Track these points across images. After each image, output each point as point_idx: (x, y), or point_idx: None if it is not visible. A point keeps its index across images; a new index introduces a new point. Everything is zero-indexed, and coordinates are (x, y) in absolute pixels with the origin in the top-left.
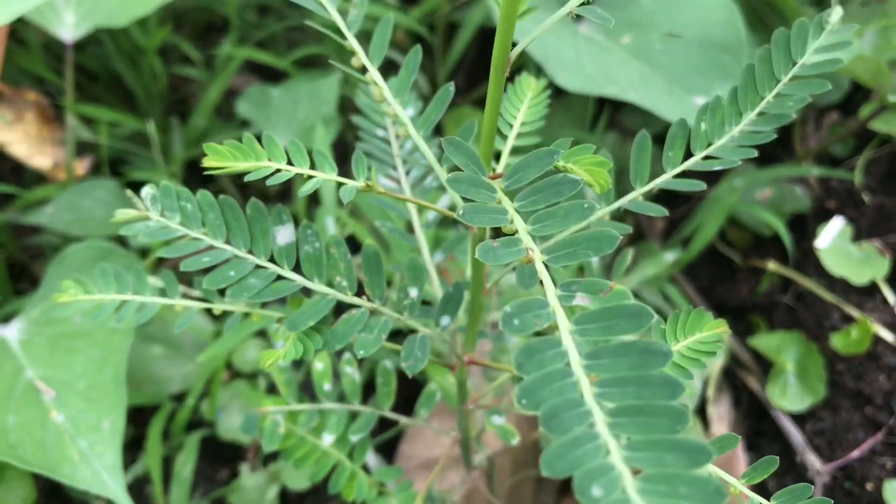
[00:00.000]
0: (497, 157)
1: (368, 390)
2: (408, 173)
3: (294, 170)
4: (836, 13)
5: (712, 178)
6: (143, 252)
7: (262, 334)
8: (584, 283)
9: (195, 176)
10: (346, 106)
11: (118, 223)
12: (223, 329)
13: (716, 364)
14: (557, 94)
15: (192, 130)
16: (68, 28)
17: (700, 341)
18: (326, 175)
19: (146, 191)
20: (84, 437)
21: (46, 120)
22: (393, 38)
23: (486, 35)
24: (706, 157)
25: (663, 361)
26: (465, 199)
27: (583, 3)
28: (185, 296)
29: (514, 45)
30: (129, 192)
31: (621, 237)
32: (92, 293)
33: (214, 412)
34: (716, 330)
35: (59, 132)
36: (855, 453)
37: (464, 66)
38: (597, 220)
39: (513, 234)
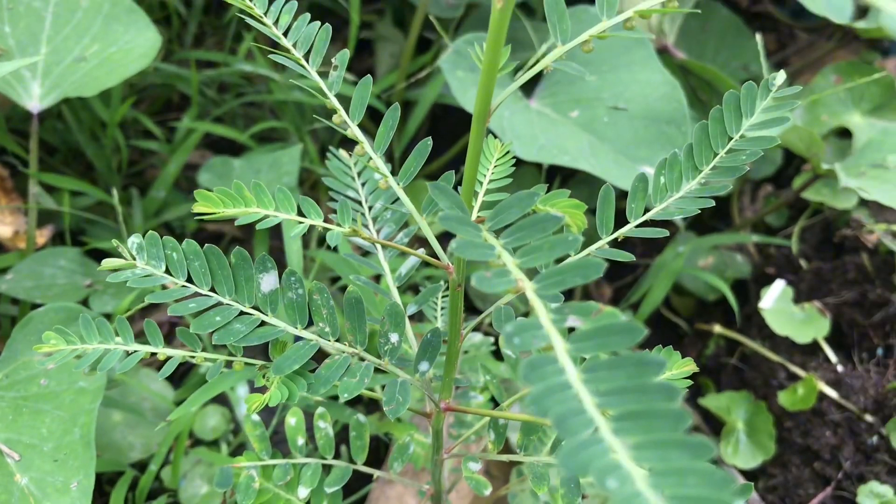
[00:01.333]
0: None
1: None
2: (378, 231)
3: (282, 216)
4: (780, 76)
5: (656, 246)
6: (108, 316)
7: (222, 401)
8: (574, 306)
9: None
10: (306, 179)
11: (105, 270)
12: (188, 395)
13: None
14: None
15: (151, 202)
16: (35, 99)
17: (669, 378)
18: (314, 221)
19: (132, 240)
20: (51, 499)
21: (6, 190)
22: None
23: (438, 114)
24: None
25: (658, 371)
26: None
27: (534, 76)
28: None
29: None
30: (114, 242)
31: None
32: (74, 343)
33: (177, 480)
34: (684, 368)
35: (19, 202)
36: None
37: (417, 142)
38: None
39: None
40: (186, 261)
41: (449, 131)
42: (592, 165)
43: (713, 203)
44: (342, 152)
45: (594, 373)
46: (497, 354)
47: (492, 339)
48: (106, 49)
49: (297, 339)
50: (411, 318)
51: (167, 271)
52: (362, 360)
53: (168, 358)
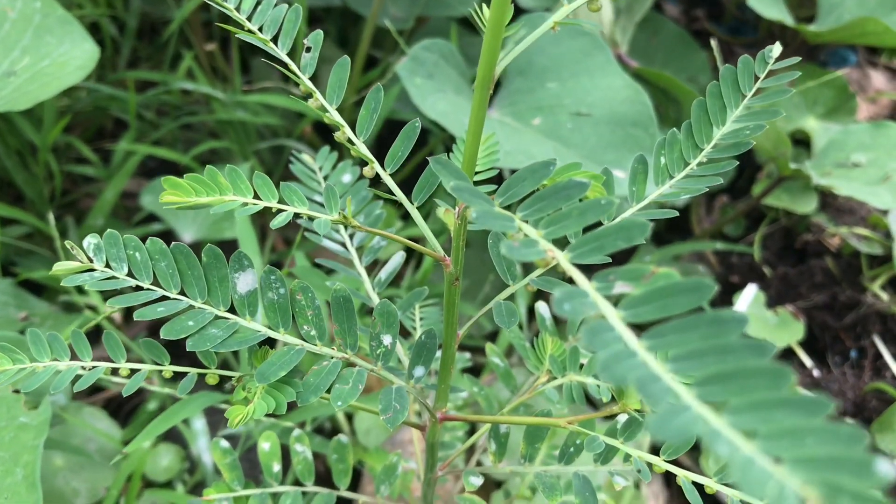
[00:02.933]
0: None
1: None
2: (352, 237)
3: (262, 203)
4: (776, 48)
5: (616, 259)
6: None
7: (174, 439)
8: (620, 271)
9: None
10: None
11: (58, 275)
12: (137, 433)
13: (645, 440)
14: None
15: (88, 230)
16: None
17: None
18: (298, 208)
19: (89, 240)
20: None
21: None
22: (300, 131)
23: (392, 129)
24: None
25: (740, 327)
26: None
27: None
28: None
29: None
30: (68, 244)
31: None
32: (22, 361)
33: None
34: None
35: None
36: None
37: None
38: None
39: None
40: (151, 261)
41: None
42: None
43: (721, 181)
44: (305, 156)
45: (661, 338)
46: (472, 372)
47: (467, 356)
48: (38, 62)
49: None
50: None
51: (130, 274)
52: (353, 365)
53: (132, 372)
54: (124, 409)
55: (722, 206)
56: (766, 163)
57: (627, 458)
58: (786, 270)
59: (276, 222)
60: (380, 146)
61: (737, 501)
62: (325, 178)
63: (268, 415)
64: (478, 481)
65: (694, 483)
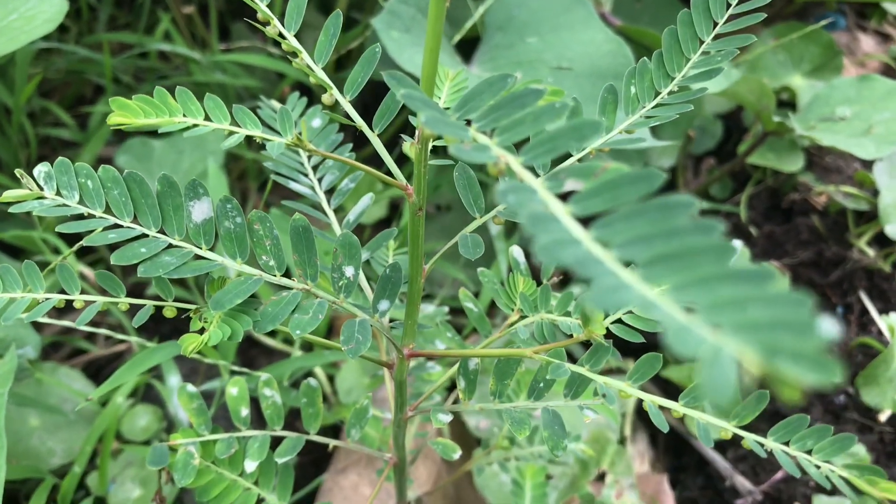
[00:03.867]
0: None
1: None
2: (320, 180)
3: (212, 125)
4: None
5: None
6: None
7: (153, 400)
8: (571, 168)
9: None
10: (233, 167)
11: (7, 202)
12: (113, 392)
13: (630, 402)
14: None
15: None
16: None
17: None
18: (250, 130)
19: (39, 168)
20: None
21: None
22: (279, 91)
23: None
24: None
25: (687, 209)
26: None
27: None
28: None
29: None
30: (18, 172)
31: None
32: None
33: (105, 485)
34: None
35: None
36: (779, 475)
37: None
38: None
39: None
40: (104, 189)
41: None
42: None
43: (692, 107)
44: (273, 102)
45: (608, 227)
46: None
47: (446, 309)
48: (5, 17)
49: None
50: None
51: (82, 202)
52: (314, 297)
53: (87, 304)
54: (104, 373)
55: (709, 169)
56: (753, 123)
57: (597, 393)
58: (772, 229)
59: (228, 143)
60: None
61: (703, 424)
62: (294, 123)
63: (238, 372)
64: (446, 418)
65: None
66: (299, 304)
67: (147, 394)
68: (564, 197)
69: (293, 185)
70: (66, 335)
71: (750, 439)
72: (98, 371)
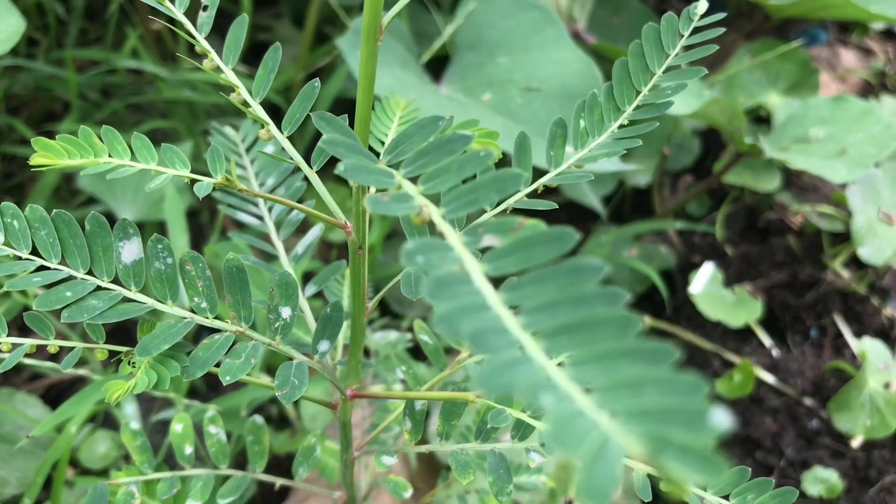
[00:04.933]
0: None
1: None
2: (270, 210)
3: (139, 165)
4: (702, 5)
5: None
6: None
7: (112, 426)
8: (489, 224)
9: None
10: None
11: None
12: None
13: None
14: None
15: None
16: None
17: None
18: (177, 171)
19: None
20: None
21: None
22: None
23: (342, 107)
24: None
25: (596, 275)
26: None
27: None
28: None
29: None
30: None
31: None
32: None
33: None
34: None
35: None
36: None
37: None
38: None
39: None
40: (31, 230)
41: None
42: (509, 146)
43: (640, 142)
44: (227, 129)
45: (518, 290)
46: (415, 353)
47: (408, 336)
48: None
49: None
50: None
51: (7, 243)
52: (249, 339)
53: (14, 346)
54: (64, 397)
55: (686, 187)
56: (729, 141)
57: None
58: (747, 249)
59: (154, 184)
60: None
61: (643, 476)
62: (248, 149)
63: (191, 404)
64: (390, 461)
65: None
66: (232, 348)
67: (107, 419)
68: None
69: (241, 216)
70: (25, 358)
71: (689, 492)
72: (58, 396)
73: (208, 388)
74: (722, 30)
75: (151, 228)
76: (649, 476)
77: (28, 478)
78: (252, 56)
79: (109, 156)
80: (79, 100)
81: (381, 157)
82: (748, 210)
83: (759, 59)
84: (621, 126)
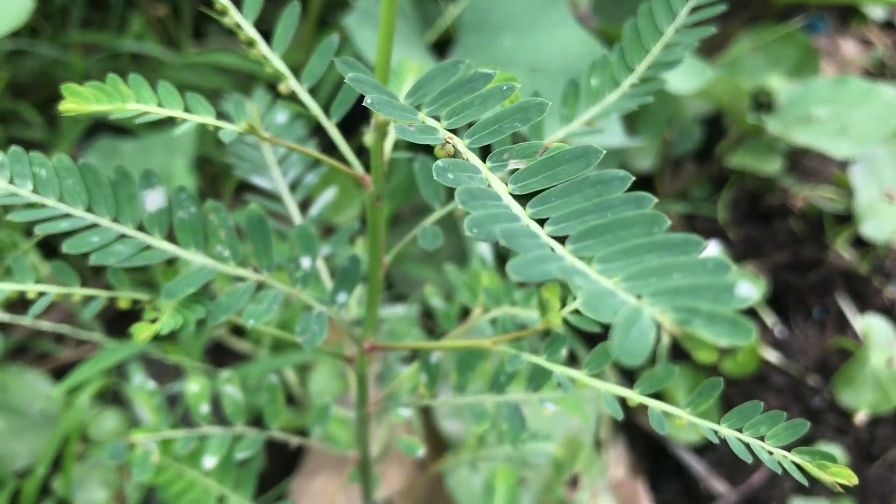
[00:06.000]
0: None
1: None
2: (285, 175)
3: (164, 112)
4: None
5: None
6: None
7: (118, 399)
8: (515, 148)
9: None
10: (206, 169)
11: None
12: (78, 394)
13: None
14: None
15: None
16: None
17: None
18: (202, 118)
19: None
20: None
21: None
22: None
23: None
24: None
25: (622, 185)
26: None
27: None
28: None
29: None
30: None
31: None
32: None
33: (69, 488)
34: None
35: None
36: (756, 478)
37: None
38: None
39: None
40: (58, 178)
41: (361, 111)
42: None
43: (651, 99)
44: (236, 95)
45: (545, 204)
46: (423, 327)
47: (416, 308)
48: None
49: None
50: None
51: (36, 191)
52: (270, 287)
53: (40, 295)
54: (64, 371)
55: (688, 174)
56: (731, 125)
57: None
58: (749, 231)
59: (180, 131)
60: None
61: (657, 412)
62: (263, 116)
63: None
64: (406, 412)
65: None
66: (255, 295)
67: (114, 398)
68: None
69: (255, 180)
70: (34, 338)
71: (703, 426)
72: (66, 375)
73: (217, 367)
74: None
75: None
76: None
77: (39, 450)
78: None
79: (136, 102)
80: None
81: (404, 98)
82: (750, 194)
83: (760, 40)
84: (632, 86)
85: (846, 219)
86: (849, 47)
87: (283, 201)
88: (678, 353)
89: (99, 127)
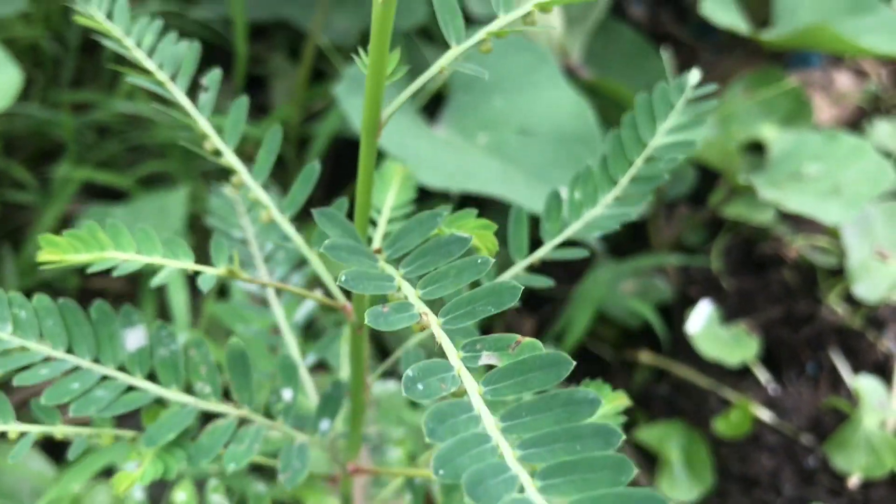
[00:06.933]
0: (369, 242)
1: None
2: (271, 274)
3: (143, 259)
4: (694, 75)
5: (575, 273)
6: None
7: (111, 472)
8: (488, 339)
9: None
10: (196, 226)
11: None
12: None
13: None
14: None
15: (26, 259)
16: None
17: (602, 416)
18: (181, 263)
19: None
20: None
21: None
22: (243, 148)
23: (340, 149)
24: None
25: (591, 410)
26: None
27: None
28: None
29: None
30: None
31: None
32: None
33: None
34: (616, 402)
35: None
36: None
37: (321, 180)
38: None
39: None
40: (38, 319)
41: (352, 165)
42: (504, 191)
43: (633, 217)
44: (227, 189)
45: (516, 419)
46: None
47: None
48: None
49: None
50: (314, 369)
51: (15, 333)
52: (251, 422)
53: (21, 435)
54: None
55: (682, 217)
56: (724, 181)
57: None
58: (742, 283)
59: (158, 279)
60: (332, 168)
61: None
62: (249, 210)
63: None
64: None
65: None
66: (236, 433)
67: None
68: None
69: (240, 285)
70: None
71: None
72: (59, 447)
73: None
74: (714, 103)
75: (147, 279)
76: None
77: None
78: (245, 90)
79: (115, 250)
80: (75, 140)
81: (375, 242)
82: (744, 241)
83: (755, 96)
84: (616, 198)
85: (839, 272)
86: (843, 80)
87: (268, 302)
88: (673, 408)
89: (91, 186)
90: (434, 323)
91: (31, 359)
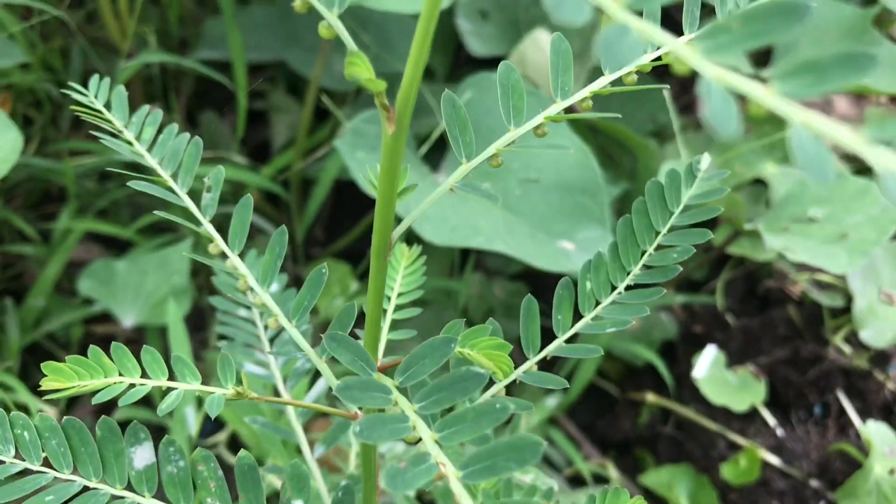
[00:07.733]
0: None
1: None
2: (277, 359)
3: (150, 383)
4: (705, 160)
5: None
6: None
7: None
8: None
9: (36, 362)
10: (199, 270)
11: None
12: None
13: None
14: (421, 241)
15: (29, 312)
16: None
17: None
18: (188, 385)
19: None
20: None
21: None
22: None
23: (341, 188)
24: (595, 318)
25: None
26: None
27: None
28: None
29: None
30: None
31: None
32: None
33: None
34: None
35: None
36: None
37: (321, 220)
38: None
39: (415, 443)
40: (41, 440)
41: (354, 204)
42: (508, 245)
43: (647, 312)
44: (228, 265)
45: None
46: None
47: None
48: None
49: None
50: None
51: (18, 455)
52: None
53: None
54: None
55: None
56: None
57: None
58: (748, 322)
59: (165, 406)
60: (332, 208)
61: None
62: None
63: None
64: None
65: None
66: None
67: None
68: None
69: (248, 368)
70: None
71: None
72: None
73: None
74: (726, 189)
75: (152, 333)
76: None
77: None
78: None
79: (120, 374)
80: (76, 187)
81: (395, 376)
82: (748, 276)
83: (759, 136)
84: (627, 287)
85: (845, 310)
86: (842, 104)
87: (276, 387)
88: (680, 450)
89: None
90: (452, 477)
91: (37, 481)
